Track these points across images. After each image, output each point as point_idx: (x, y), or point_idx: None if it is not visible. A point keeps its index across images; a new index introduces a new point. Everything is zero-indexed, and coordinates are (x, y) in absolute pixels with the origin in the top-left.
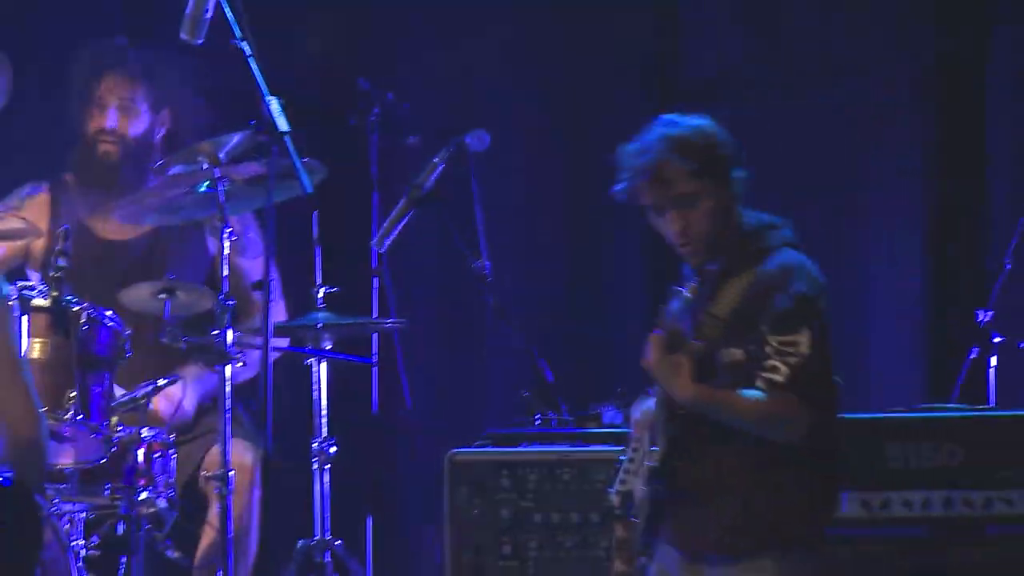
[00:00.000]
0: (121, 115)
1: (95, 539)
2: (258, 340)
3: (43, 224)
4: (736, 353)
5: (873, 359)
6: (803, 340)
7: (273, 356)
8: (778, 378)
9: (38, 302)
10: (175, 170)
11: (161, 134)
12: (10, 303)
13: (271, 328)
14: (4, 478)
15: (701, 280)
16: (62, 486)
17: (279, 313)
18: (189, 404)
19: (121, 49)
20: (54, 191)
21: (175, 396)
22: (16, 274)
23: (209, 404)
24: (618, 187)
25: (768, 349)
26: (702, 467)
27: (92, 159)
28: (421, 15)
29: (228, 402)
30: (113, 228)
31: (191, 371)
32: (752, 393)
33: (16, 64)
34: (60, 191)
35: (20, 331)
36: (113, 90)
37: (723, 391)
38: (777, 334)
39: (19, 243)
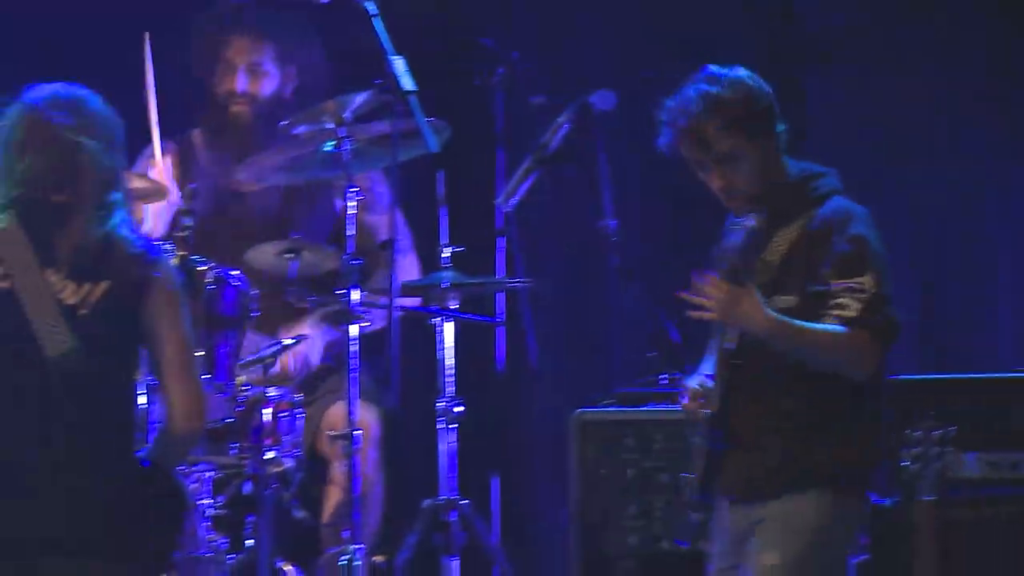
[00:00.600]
0: (251, 77)
1: (222, 498)
2: (383, 299)
3: (169, 184)
4: (790, 300)
5: (999, 319)
6: (868, 280)
7: (397, 312)
8: (849, 313)
9: None
10: (300, 129)
11: (290, 90)
12: (183, 289)
13: (397, 286)
14: (143, 459)
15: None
16: None
17: (412, 268)
18: (315, 357)
19: (244, 9)
20: (181, 150)
21: (300, 351)
22: None
23: (331, 362)
24: (661, 140)
25: (834, 290)
26: (754, 414)
27: (224, 121)
28: None
29: (354, 362)
30: (242, 186)
31: (313, 324)
32: (826, 325)
33: (140, 22)
34: (187, 150)
35: (191, 323)
36: (241, 53)
37: (798, 322)
38: (842, 277)
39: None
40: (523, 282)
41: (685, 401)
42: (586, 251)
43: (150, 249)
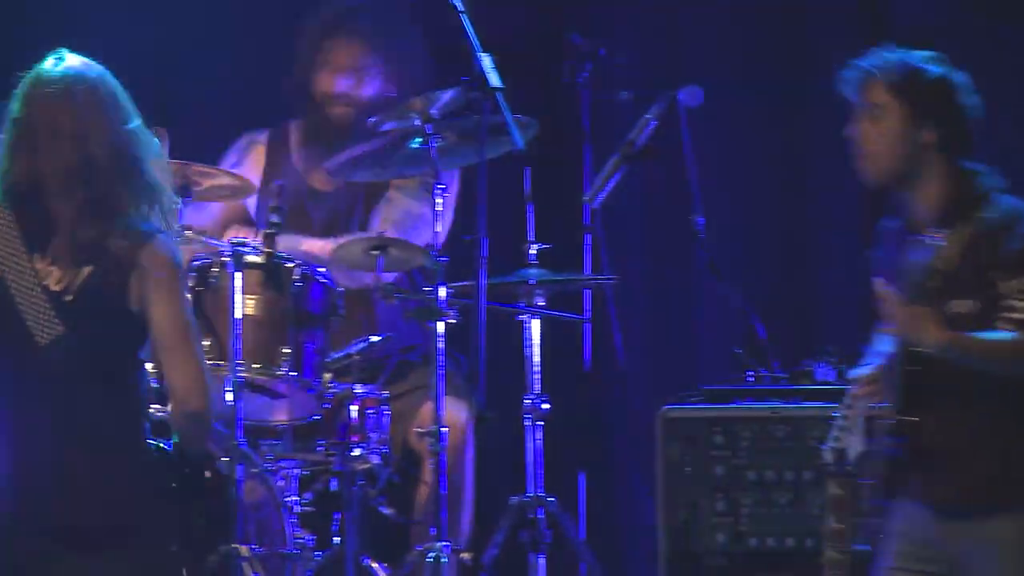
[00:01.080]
0: (352, 80)
1: (309, 495)
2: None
3: (258, 176)
4: (967, 304)
5: None
6: None
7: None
8: (1020, 316)
9: (252, 259)
10: (388, 126)
11: (392, 93)
12: (182, 270)
13: (484, 284)
14: (168, 443)
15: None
16: (276, 442)
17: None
18: None
19: (352, 11)
20: (272, 142)
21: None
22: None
23: (418, 360)
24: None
25: (1004, 292)
26: (948, 423)
27: (325, 120)
28: None
29: (441, 359)
30: (325, 179)
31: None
32: (999, 334)
33: (240, 11)
34: (279, 141)
35: (188, 300)
36: (346, 55)
37: (970, 335)
38: (1013, 277)
39: (236, 200)
40: (610, 279)
41: (862, 390)
42: (673, 248)
43: (140, 233)
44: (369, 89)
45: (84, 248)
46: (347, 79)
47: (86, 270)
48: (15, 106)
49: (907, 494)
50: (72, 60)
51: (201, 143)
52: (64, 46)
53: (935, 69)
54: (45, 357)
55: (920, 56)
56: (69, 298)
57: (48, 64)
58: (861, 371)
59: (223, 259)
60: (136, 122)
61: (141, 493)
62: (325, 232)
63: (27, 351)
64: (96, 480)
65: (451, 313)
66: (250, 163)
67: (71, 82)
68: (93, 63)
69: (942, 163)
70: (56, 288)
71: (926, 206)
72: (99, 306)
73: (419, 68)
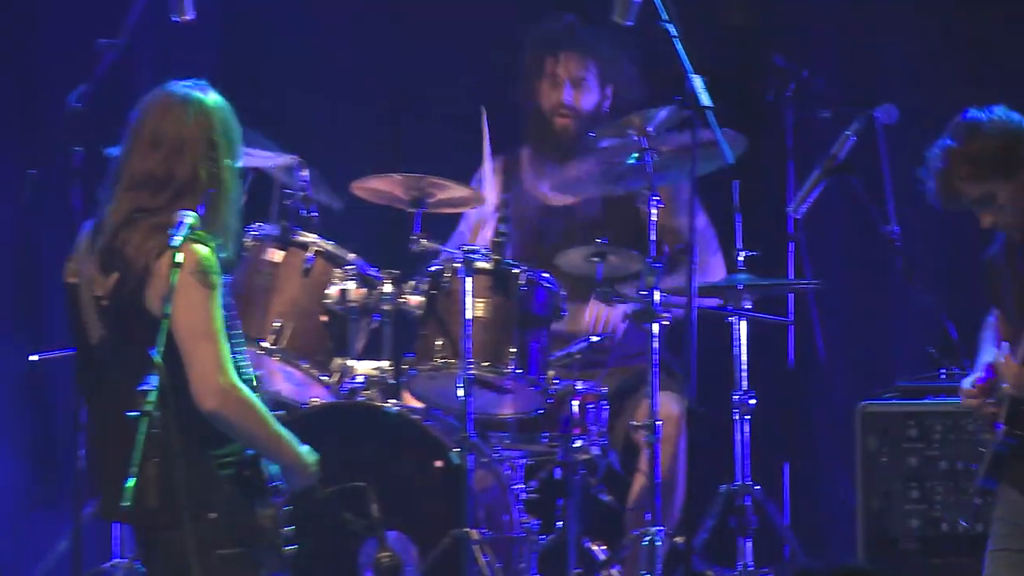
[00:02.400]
0: (575, 91)
1: (534, 483)
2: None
3: (493, 193)
4: None
5: None
6: None
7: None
8: None
9: (481, 265)
10: (607, 143)
11: (607, 107)
12: (205, 276)
13: (695, 287)
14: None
15: None
16: (504, 435)
17: (719, 267)
18: (618, 325)
19: (571, 27)
20: (507, 165)
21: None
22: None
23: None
24: (928, 189)
25: None
26: None
27: (550, 132)
28: None
29: (656, 357)
30: (558, 195)
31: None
32: None
33: (465, 46)
34: (512, 165)
35: (216, 303)
36: (567, 67)
37: None
38: None
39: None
40: (812, 284)
41: (967, 400)
42: (871, 255)
43: (160, 242)
44: (588, 100)
45: (113, 256)
46: (569, 90)
47: (113, 276)
48: (135, 112)
49: (1011, 483)
50: (202, 88)
51: (430, 162)
52: (302, 77)
53: (1003, 126)
54: (97, 357)
55: (981, 122)
56: (105, 303)
57: (179, 85)
58: (966, 384)
59: (455, 265)
60: (234, 162)
61: (182, 484)
62: (562, 245)
63: (89, 352)
64: (145, 471)
65: (666, 315)
66: (488, 182)
67: (188, 100)
68: (219, 97)
69: None
70: (99, 293)
71: None
72: (123, 310)
73: (628, 84)
